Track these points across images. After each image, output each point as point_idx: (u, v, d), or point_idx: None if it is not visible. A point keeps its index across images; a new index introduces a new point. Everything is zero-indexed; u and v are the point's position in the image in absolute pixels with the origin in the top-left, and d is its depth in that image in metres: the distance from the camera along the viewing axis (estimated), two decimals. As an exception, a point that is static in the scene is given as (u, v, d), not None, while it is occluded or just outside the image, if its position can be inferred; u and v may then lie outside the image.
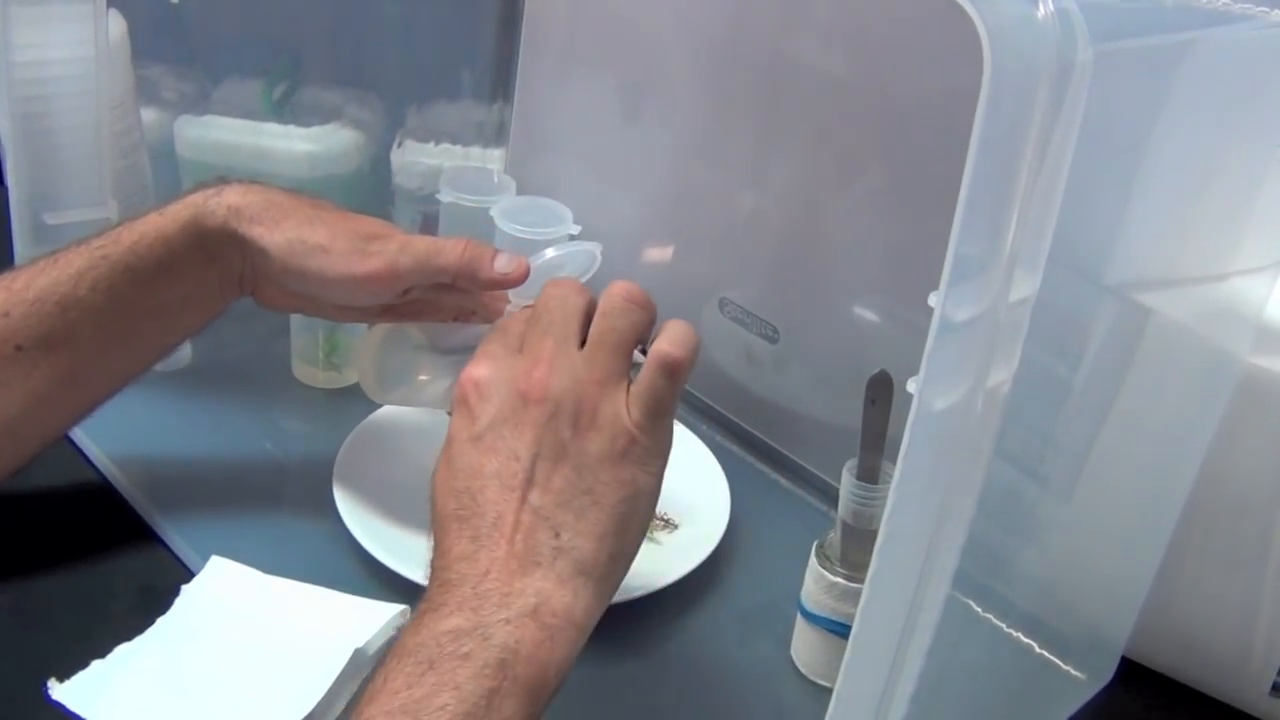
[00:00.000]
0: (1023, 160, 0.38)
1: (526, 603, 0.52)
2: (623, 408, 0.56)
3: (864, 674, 0.47)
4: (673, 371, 0.57)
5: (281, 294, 0.74)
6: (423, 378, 0.79)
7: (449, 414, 0.79)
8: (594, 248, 0.74)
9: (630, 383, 0.57)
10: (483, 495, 0.55)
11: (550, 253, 0.73)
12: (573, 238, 0.90)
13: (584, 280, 0.75)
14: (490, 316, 0.76)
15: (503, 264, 0.71)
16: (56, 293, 0.68)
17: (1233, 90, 0.55)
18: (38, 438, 0.72)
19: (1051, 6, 0.37)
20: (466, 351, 0.75)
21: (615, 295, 0.59)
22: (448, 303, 0.77)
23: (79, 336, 0.69)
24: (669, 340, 0.58)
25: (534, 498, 0.54)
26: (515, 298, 0.75)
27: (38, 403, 0.69)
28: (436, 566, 0.55)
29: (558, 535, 0.53)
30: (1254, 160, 0.59)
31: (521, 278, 0.71)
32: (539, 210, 0.90)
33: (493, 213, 0.90)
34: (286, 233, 0.70)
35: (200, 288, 0.72)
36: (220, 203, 0.71)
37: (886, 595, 0.45)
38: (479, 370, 0.59)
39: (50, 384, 0.69)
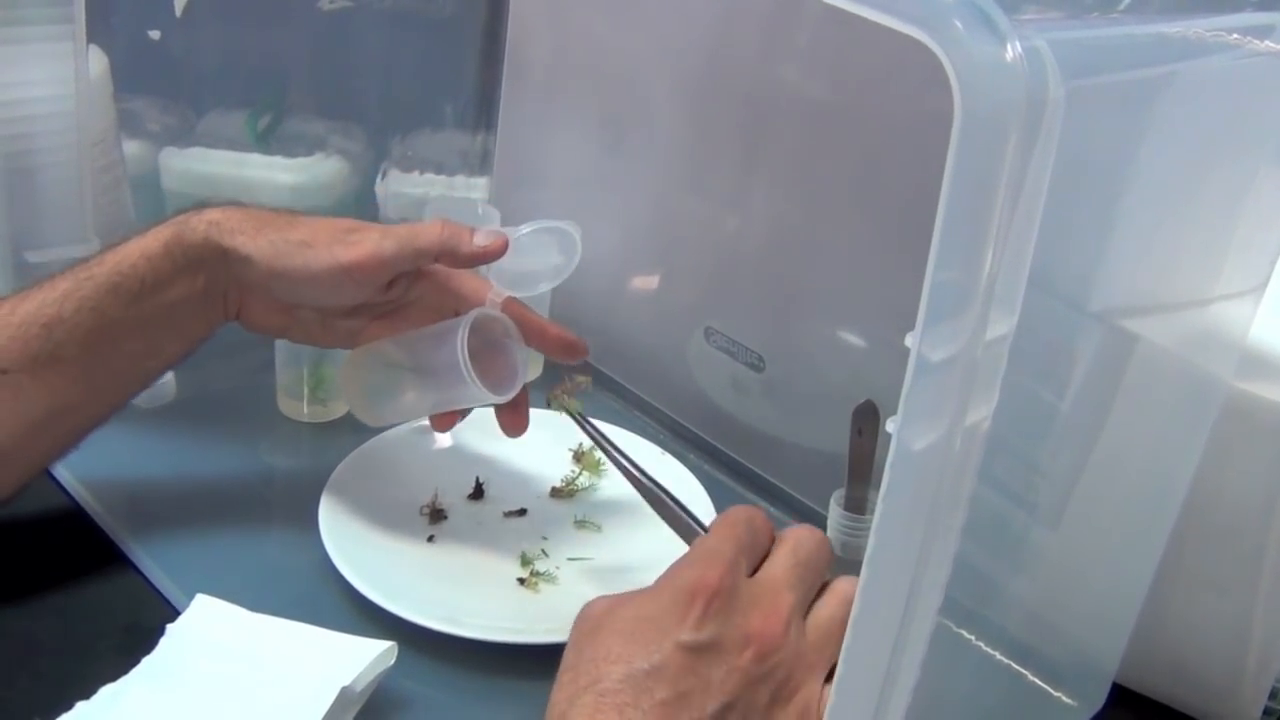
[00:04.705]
0: (996, 199, 0.38)
1: None
2: (816, 702, 0.54)
3: (850, 715, 0.46)
4: None
5: (268, 309, 0.76)
6: (409, 395, 0.80)
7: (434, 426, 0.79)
8: (572, 229, 0.74)
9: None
10: (657, 698, 0.52)
11: (526, 228, 0.74)
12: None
13: (571, 265, 0.75)
14: (473, 305, 0.77)
15: (481, 238, 0.73)
16: (43, 315, 0.70)
17: (1214, 118, 0.55)
18: (25, 466, 0.72)
19: (1019, 48, 0.37)
20: (439, 349, 0.75)
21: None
22: (430, 300, 0.78)
23: (64, 357, 0.70)
24: None
25: None
26: (497, 281, 0.76)
27: (25, 428, 0.70)
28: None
29: None
30: (1235, 185, 0.59)
31: (500, 250, 0.73)
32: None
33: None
34: (268, 236, 0.73)
35: (184, 305, 0.73)
36: (201, 219, 0.73)
37: (870, 636, 0.45)
38: (723, 579, 0.55)
39: (37, 409, 0.70)
